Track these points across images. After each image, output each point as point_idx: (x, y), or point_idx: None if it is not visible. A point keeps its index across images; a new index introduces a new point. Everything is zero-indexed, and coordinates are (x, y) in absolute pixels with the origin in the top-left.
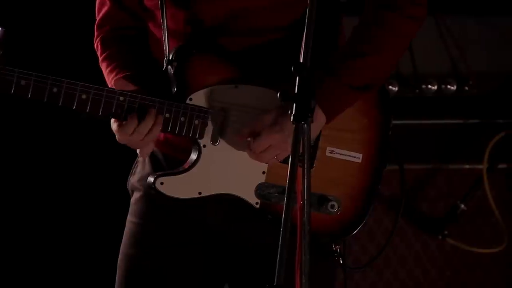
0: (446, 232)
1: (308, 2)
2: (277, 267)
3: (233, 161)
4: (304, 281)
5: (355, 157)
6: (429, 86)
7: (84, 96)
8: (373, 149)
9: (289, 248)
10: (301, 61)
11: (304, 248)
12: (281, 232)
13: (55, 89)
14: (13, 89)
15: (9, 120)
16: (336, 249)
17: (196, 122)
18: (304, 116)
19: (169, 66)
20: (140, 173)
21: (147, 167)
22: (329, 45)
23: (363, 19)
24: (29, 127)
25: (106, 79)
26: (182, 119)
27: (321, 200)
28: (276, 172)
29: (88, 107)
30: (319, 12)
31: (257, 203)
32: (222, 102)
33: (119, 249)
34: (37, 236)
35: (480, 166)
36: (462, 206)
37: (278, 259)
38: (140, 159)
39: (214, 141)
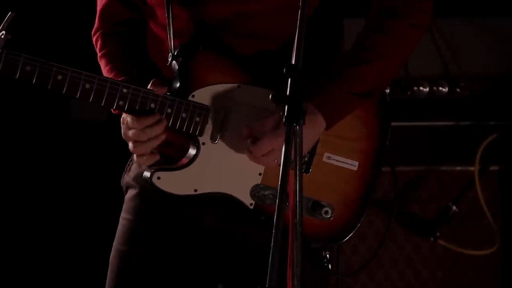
0: (437, 234)
1: (300, 3)
2: (269, 269)
3: (231, 161)
4: (295, 282)
5: (351, 164)
6: (421, 88)
7: (88, 86)
8: (369, 158)
9: (283, 249)
10: (293, 62)
11: (296, 249)
12: (273, 234)
13: (59, 77)
14: (18, 74)
15: (4, 121)
16: (326, 255)
17: (197, 119)
18: (296, 118)
19: (173, 61)
20: (135, 170)
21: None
22: (331, 49)
23: (366, 26)
24: (22, 127)
25: (105, 75)
26: (184, 115)
27: (314, 206)
28: (273, 174)
29: (91, 97)
30: (322, 16)
31: (251, 204)
32: (224, 101)
33: (112, 245)
34: (31, 233)
35: (472, 168)
36: (454, 208)
37: (270, 260)
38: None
39: (213, 139)
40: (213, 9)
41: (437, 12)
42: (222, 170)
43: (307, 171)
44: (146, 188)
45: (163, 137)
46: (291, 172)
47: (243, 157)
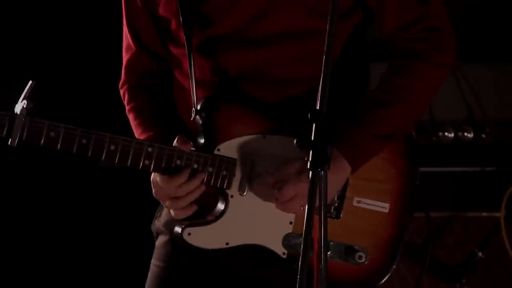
0: (463, 281)
1: (326, 40)
2: None
3: (261, 211)
4: None
5: (382, 206)
6: (446, 133)
7: (112, 147)
8: (400, 198)
9: None
10: (317, 107)
11: None
12: (297, 279)
13: (84, 141)
14: (42, 140)
15: (34, 165)
16: None
17: (224, 172)
18: (321, 162)
19: (197, 116)
20: (166, 216)
21: None
22: (357, 93)
23: (389, 68)
24: (52, 172)
25: (134, 129)
26: (210, 169)
27: (348, 251)
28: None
29: (117, 158)
30: (347, 59)
31: (284, 253)
32: (250, 153)
33: None
34: (60, 279)
35: (498, 214)
36: (480, 254)
37: None
38: None
39: (241, 191)
40: (233, 59)
41: (461, 57)
42: (252, 221)
43: (338, 217)
44: None
45: (203, 188)
46: (317, 217)
47: (273, 207)
